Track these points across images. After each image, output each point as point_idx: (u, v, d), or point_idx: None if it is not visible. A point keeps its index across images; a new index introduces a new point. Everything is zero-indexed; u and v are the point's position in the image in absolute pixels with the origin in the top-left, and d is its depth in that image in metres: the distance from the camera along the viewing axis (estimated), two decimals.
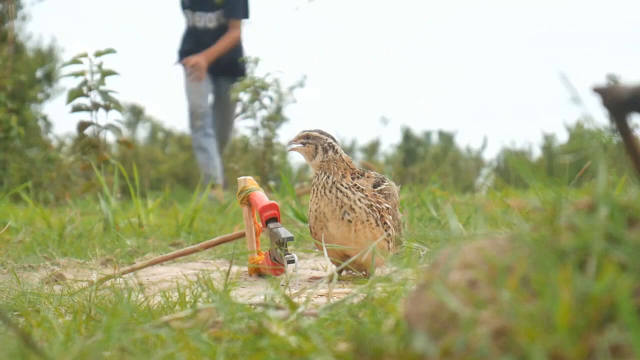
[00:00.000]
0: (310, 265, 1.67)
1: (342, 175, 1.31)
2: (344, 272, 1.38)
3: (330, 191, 1.30)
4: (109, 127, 3.10)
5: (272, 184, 4.15)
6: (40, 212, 3.09)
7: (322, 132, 1.34)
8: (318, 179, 1.31)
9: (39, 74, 11.04)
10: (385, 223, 1.31)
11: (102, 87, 3.05)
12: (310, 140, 1.32)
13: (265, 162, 4.39)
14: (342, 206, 1.29)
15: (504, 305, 0.45)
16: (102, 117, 3.12)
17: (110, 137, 6.43)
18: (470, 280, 0.49)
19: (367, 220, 1.30)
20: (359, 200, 1.29)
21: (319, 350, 0.56)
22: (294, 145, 1.33)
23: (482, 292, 0.48)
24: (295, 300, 0.72)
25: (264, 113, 4.35)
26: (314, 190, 1.32)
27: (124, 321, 0.68)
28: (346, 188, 1.29)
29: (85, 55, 3.01)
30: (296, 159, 7.82)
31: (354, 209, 1.29)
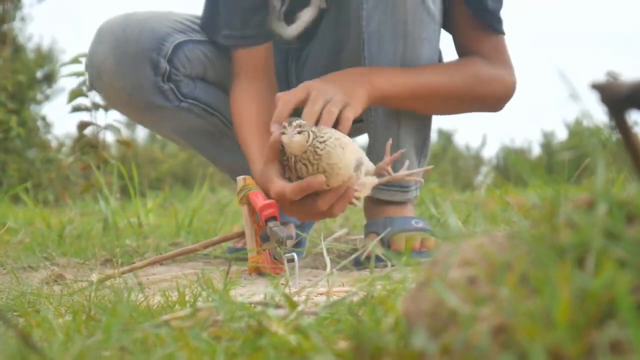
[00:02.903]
0: (309, 264, 1.67)
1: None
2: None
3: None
4: (109, 127, 3.10)
5: None
6: (40, 212, 3.09)
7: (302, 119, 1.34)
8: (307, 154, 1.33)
9: (39, 74, 11.03)
10: None
11: None
12: (305, 127, 1.31)
13: None
14: None
15: (503, 302, 0.45)
16: (101, 117, 3.13)
17: (109, 137, 6.43)
18: (470, 278, 0.49)
19: None
20: None
21: (318, 349, 0.56)
22: (295, 136, 1.31)
23: (482, 289, 0.48)
24: (295, 298, 0.72)
25: None
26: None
27: (124, 321, 0.68)
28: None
29: (84, 55, 3.01)
30: None
31: None
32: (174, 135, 1.82)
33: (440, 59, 1.71)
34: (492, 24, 1.63)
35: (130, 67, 1.64)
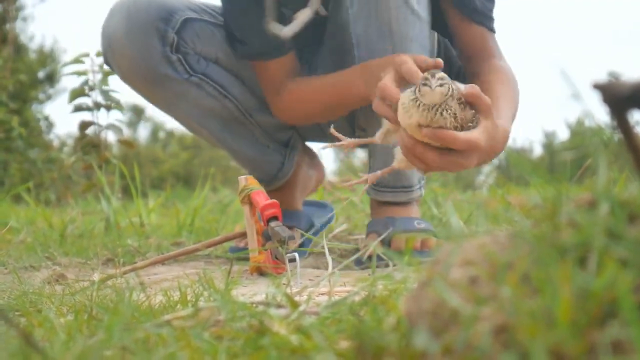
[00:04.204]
0: (311, 264, 1.67)
1: None
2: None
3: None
4: (110, 126, 3.10)
5: None
6: (42, 212, 3.09)
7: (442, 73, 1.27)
8: None
9: (40, 74, 11.04)
10: None
11: (103, 87, 3.05)
12: (445, 80, 1.24)
13: None
14: None
15: (504, 302, 0.45)
16: (103, 117, 3.12)
17: (111, 136, 6.43)
18: (471, 277, 0.49)
19: None
20: None
21: (320, 348, 0.56)
22: (437, 86, 1.23)
23: (483, 289, 0.48)
24: (297, 298, 0.72)
25: None
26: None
27: (126, 320, 0.68)
28: None
29: (86, 55, 3.01)
30: None
31: None
32: (190, 121, 1.80)
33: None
34: (483, 23, 1.63)
35: (138, 35, 1.65)
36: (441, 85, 1.21)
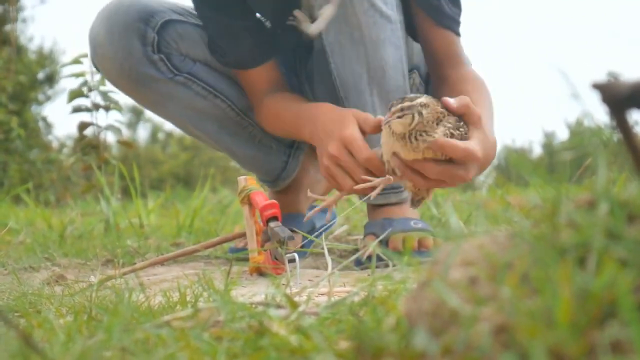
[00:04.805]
0: (310, 265, 1.67)
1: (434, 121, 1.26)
2: None
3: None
4: (110, 127, 3.10)
5: None
6: (41, 213, 3.09)
7: (412, 98, 1.25)
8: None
9: (40, 75, 11.04)
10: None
11: (102, 88, 3.05)
12: (407, 111, 1.23)
13: None
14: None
15: (504, 302, 0.45)
16: (102, 118, 3.13)
17: (110, 137, 6.43)
18: (471, 278, 0.49)
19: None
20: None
21: (319, 349, 0.56)
22: (393, 120, 1.23)
23: (483, 289, 0.48)
24: (296, 299, 0.72)
25: None
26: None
27: (125, 321, 0.68)
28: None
29: (85, 56, 3.01)
30: None
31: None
32: (185, 123, 1.79)
33: (415, 66, 1.75)
34: (451, 27, 1.64)
35: (119, 36, 1.66)
36: (400, 117, 1.23)
